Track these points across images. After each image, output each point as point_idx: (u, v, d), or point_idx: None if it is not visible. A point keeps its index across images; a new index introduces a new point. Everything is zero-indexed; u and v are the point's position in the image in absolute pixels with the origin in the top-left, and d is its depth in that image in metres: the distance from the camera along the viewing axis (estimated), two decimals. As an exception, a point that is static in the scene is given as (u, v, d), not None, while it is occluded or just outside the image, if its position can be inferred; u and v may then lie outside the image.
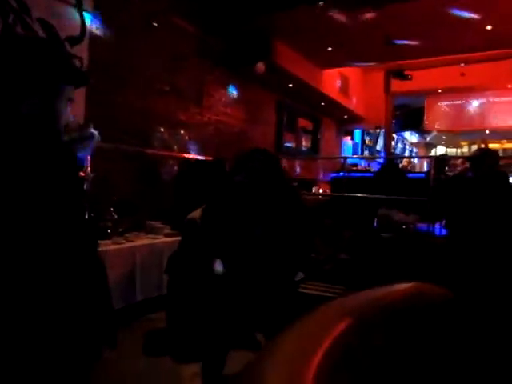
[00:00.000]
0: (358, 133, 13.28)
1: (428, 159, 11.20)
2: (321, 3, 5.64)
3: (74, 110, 4.40)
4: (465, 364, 1.10)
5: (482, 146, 16.69)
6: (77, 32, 4.25)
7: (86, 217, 3.41)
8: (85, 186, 4.12)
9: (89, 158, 4.25)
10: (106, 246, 3.78)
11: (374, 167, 10.22)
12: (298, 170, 9.33)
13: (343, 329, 0.89)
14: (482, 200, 3.15)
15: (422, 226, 4.48)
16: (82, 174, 4.18)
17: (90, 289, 1.28)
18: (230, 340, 2.49)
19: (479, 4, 5.75)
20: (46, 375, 1.16)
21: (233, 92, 7.14)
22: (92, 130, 1.74)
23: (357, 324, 0.94)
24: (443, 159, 5.34)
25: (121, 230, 4.23)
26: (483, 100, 12.19)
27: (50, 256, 1.18)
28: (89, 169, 4.24)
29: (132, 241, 4.12)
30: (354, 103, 10.72)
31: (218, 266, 2.45)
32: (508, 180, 3.39)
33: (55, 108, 1.29)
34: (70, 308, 1.19)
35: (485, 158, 3.27)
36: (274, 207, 2.45)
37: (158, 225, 4.70)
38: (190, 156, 5.93)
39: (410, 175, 5.91)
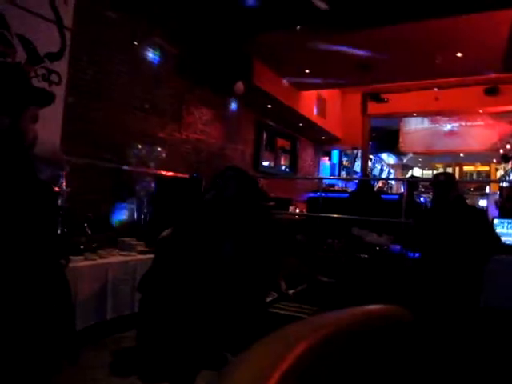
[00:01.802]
0: (335, 153, 13.49)
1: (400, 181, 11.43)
2: (298, 27, 5.79)
3: (50, 125, 4.39)
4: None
5: (456, 168, 17.13)
6: (57, 48, 4.25)
7: (59, 232, 3.38)
8: (59, 202, 4.08)
9: (64, 173, 4.22)
10: (79, 262, 3.73)
11: (352, 188, 10.37)
12: (275, 189, 9.39)
13: (303, 350, 0.91)
14: (449, 228, 3.23)
15: (395, 247, 4.56)
16: (56, 189, 4.16)
17: (51, 304, 1.28)
18: (199, 360, 2.47)
19: (449, 32, 5.98)
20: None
21: (212, 111, 7.20)
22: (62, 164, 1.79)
23: (317, 345, 0.97)
24: (412, 182, 5.49)
25: (94, 246, 4.18)
26: (456, 124, 12.58)
27: (15, 269, 1.17)
28: (64, 184, 4.20)
29: (105, 257, 4.07)
30: (331, 124, 10.92)
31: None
32: (466, 206, 3.49)
33: (20, 127, 1.33)
34: (30, 320, 1.19)
35: (448, 183, 3.35)
36: (242, 224, 2.47)
37: (132, 241, 4.65)
38: (168, 173, 5.93)
39: (385, 196, 6.02)
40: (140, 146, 5.45)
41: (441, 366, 1.20)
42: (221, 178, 2.59)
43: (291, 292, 2.96)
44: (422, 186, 10.26)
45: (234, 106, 7.70)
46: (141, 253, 4.45)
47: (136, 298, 3.92)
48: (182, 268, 2.54)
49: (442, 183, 3.35)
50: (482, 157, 14.98)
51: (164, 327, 2.70)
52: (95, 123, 4.90)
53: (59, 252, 1.64)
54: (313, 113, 9.87)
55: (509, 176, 12.74)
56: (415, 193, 5.99)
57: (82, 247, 4.02)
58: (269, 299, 2.71)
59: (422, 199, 6.84)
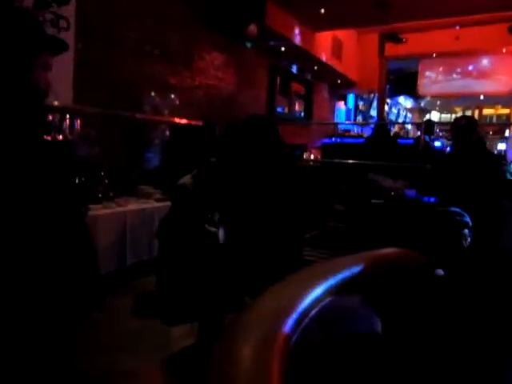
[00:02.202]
0: (351, 98, 13.16)
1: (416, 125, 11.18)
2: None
3: (61, 73, 4.33)
4: (438, 326, 1.15)
5: (476, 111, 16.65)
6: (63, -8, 4.12)
7: (77, 181, 3.43)
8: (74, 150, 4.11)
9: (78, 121, 4.23)
10: (97, 210, 3.81)
11: (368, 133, 10.20)
12: (289, 135, 9.29)
13: (317, 293, 0.93)
14: (470, 172, 3.18)
15: (411, 192, 4.53)
16: (72, 138, 4.18)
17: (76, 253, 1.32)
18: (228, 304, 2.56)
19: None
20: (33, 332, 1.21)
21: (224, 55, 7.01)
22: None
23: (333, 287, 0.99)
24: (428, 126, 5.38)
25: (111, 194, 4.25)
26: (477, 65, 12.06)
27: (38, 220, 1.20)
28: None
29: (123, 205, 4.15)
30: (347, 67, 10.57)
31: (221, 235, 2.50)
32: (486, 151, 3.42)
33: (33, 76, 1.30)
34: (56, 270, 1.23)
35: (470, 127, 3.27)
36: (275, 170, 2.46)
37: (149, 189, 4.72)
38: (181, 121, 5.89)
39: (400, 141, 5.92)
40: (153, 94, 5.40)
41: (458, 308, 1.22)
42: (245, 127, 2.56)
43: (306, 236, 3.00)
44: (440, 129, 10.03)
45: (246, 49, 7.48)
46: (158, 200, 4.52)
47: (154, 244, 4.03)
48: (209, 212, 2.58)
49: (463, 127, 3.27)
50: (503, 99, 14.46)
51: (184, 272, 2.79)
52: (107, 70, 4.82)
53: (79, 201, 1.67)
54: (328, 55, 9.55)
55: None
56: (432, 137, 5.86)
57: (99, 196, 4.09)
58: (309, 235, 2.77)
59: (439, 143, 6.71)
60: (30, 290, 1.18)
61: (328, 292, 0.99)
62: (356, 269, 1.19)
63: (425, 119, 16.08)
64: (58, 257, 1.24)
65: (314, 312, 0.90)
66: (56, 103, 4.02)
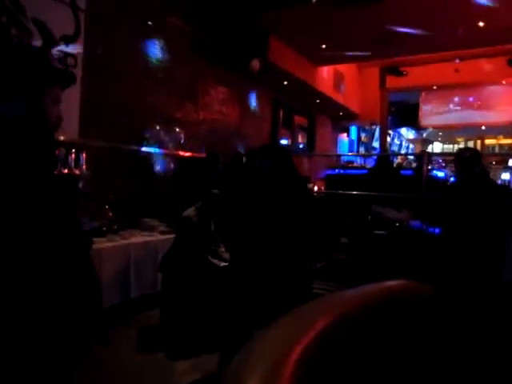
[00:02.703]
0: (353, 129, 13.31)
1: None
2: (313, 0, 5.66)
3: (68, 108, 4.43)
4: (446, 360, 1.13)
5: (478, 142, 16.74)
6: (71, 30, 4.25)
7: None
8: (80, 185, 4.15)
9: (84, 156, 4.28)
10: (102, 243, 3.81)
11: (370, 164, 10.26)
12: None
13: (324, 325, 0.92)
14: (475, 204, 3.18)
15: (415, 223, 4.52)
16: (77, 172, 4.23)
17: (80, 287, 1.31)
18: (224, 337, 2.52)
19: (470, 1, 5.78)
20: (32, 368, 1.19)
21: (228, 89, 7.15)
22: None
23: (338, 321, 0.97)
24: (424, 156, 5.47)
25: (115, 227, 4.25)
26: (478, 96, 12.22)
27: (41, 254, 1.20)
28: (84, 167, 4.27)
29: (127, 238, 4.15)
30: (349, 100, 10.74)
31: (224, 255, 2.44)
32: (490, 182, 3.43)
33: (43, 108, 1.33)
34: (59, 305, 1.22)
35: (474, 159, 3.29)
36: (288, 201, 2.42)
37: (154, 222, 4.72)
38: (185, 154, 5.95)
39: (404, 172, 5.94)
40: (158, 127, 5.48)
41: (462, 340, 1.20)
42: (255, 156, 2.57)
43: (313, 268, 2.97)
44: (443, 160, 10.06)
45: (250, 83, 7.63)
46: (162, 233, 4.52)
47: (158, 277, 4.00)
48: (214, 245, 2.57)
49: (467, 159, 3.30)
50: (505, 129, 14.58)
51: (188, 305, 2.75)
52: (112, 105, 4.92)
53: (82, 234, 1.67)
54: (330, 88, 9.71)
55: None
56: (436, 166, 5.88)
57: (104, 229, 4.10)
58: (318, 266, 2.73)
59: (442, 174, 6.72)
60: (33, 323, 1.17)
61: (335, 324, 0.98)
62: (362, 301, 1.17)
63: (427, 150, 16.17)
64: (62, 290, 1.23)
65: (320, 344, 0.88)
66: (62, 138, 4.08)
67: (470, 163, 3.27)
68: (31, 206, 1.18)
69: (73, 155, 4.14)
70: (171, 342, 2.88)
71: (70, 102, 4.21)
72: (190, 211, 3.44)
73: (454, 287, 2.66)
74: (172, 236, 3.94)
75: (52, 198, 1.25)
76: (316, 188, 7.74)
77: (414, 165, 11.25)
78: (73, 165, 4.10)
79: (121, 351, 3.06)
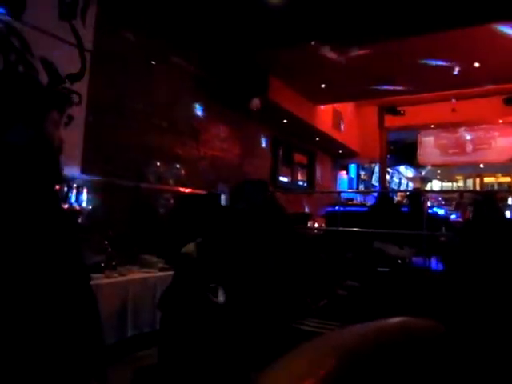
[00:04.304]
0: (353, 167, 13.42)
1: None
2: (312, 42, 5.83)
3: (71, 145, 4.45)
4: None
5: (477, 180, 16.81)
6: (77, 69, 4.35)
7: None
8: (79, 220, 4.13)
9: (85, 191, 4.29)
10: (99, 279, 3.75)
11: (370, 202, 10.27)
12: (293, 204, 9.36)
13: (329, 365, 0.88)
14: (493, 246, 3.15)
15: (418, 259, 4.47)
16: (77, 208, 4.22)
17: (81, 322, 1.27)
18: (224, 379, 2.43)
19: (465, 42, 5.95)
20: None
21: (228, 127, 7.25)
22: None
23: (342, 360, 0.94)
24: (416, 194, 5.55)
25: (114, 263, 4.20)
26: (476, 135, 12.38)
27: (43, 288, 1.17)
28: (84, 203, 4.26)
29: (125, 275, 4.09)
30: (348, 138, 10.88)
31: (221, 296, 2.43)
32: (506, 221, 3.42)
33: (46, 133, 1.33)
34: (59, 341, 1.18)
35: (487, 202, 3.33)
36: (276, 235, 2.43)
37: (152, 259, 4.67)
38: (186, 190, 5.96)
39: (404, 209, 5.94)
40: (158, 164, 5.51)
41: (477, 377, 1.15)
42: (246, 190, 2.58)
43: (315, 306, 2.91)
44: (443, 198, 10.09)
45: (250, 121, 7.75)
46: (161, 270, 4.45)
47: (156, 315, 3.91)
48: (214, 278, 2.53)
49: (480, 203, 3.35)
50: (503, 168, 14.69)
51: (186, 344, 2.68)
52: (114, 142, 4.97)
53: (84, 267, 1.64)
54: (329, 127, 9.87)
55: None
56: (435, 204, 5.88)
57: (102, 265, 4.04)
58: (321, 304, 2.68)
59: (442, 211, 6.72)
60: (33, 354, 1.12)
61: (339, 364, 0.94)
62: (368, 339, 1.13)
63: (426, 187, 16.23)
64: (61, 321, 1.19)
65: (329, 380, 0.84)
66: (64, 173, 4.10)
67: (482, 206, 3.31)
68: (34, 231, 1.17)
69: (74, 190, 4.15)
70: (169, 381, 2.78)
71: (74, 138, 4.26)
72: (189, 247, 3.40)
73: (466, 325, 2.59)
74: (171, 273, 3.88)
75: (59, 229, 1.24)
76: (316, 225, 7.72)
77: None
78: (73, 200, 4.10)
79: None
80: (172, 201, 5.57)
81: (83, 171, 4.42)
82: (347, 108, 10.81)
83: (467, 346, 1.29)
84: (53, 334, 1.17)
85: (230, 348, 2.38)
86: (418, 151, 12.97)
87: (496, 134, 11.99)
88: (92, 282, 3.39)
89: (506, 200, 14.86)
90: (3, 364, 1.10)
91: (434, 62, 6.58)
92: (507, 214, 12.45)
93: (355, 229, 5.35)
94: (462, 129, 12.28)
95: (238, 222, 2.55)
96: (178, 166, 5.76)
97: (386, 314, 1.36)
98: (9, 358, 1.10)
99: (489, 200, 3.32)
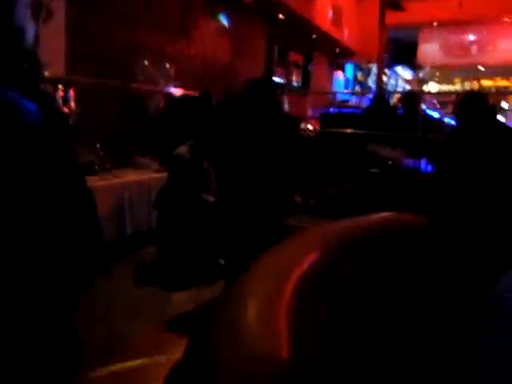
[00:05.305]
0: (349, 68, 12.97)
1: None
2: None
3: (53, 43, 4.23)
4: (438, 292, 1.14)
5: (474, 83, 16.47)
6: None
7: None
8: (70, 122, 4.06)
9: (72, 93, 4.16)
10: (94, 182, 3.78)
11: (366, 103, 10.09)
12: (287, 105, 9.19)
13: (319, 254, 0.92)
14: (480, 147, 3.13)
15: (409, 161, 4.52)
16: (66, 109, 4.12)
17: (79, 217, 1.30)
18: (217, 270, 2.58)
19: None
20: (36, 300, 1.20)
21: (220, 23, 6.85)
22: None
23: (333, 250, 0.97)
24: (413, 96, 5.47)
25: (108, 165, 4.22)
26: (477, 35, 11.87)
27: (39, 187, 1.18)
28: (73, 104, 4.16)
29: (120, 177, 4.12)
30: (346, 36, 10.39)
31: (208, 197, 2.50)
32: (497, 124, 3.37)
33: (15, 23, 1.19)
34: (60, 238, 1.21)
35: (467, 104, 3.24)
36: (268, 134, 2.45)
37: (146, 161, 4.69)
38: (177, 91, 5.79)
39: (400, 111, 5.85)
40: (147, 63, 5.29)
41: (459, 269, 1.22)
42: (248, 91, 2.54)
43: (305, 204, 3.01)
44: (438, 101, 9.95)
45: (244, 17, 7.30)
46: (155, 171, 4.50)
47: (152, 215, 4.02)
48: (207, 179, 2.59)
49: (462, 104, 3.25)
50: (503, 70, 14.29)
51: (183, 239, 2.80)
52: (100, 39, 4.71)
53: (79, 168, 1.63)
54: (327, 23, 9.35)
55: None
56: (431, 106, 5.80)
57: (96, 167, 4.06)
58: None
59: (437, 114, 6.66)
60: (33, 256, 1.16)
61: (328, 253, 0.98)
62: (354, 231, 1.17)
63: (427, 90, 15.91)
64: (60, 219, 1.22)
65: (317, 271, 0.88)
66: (48, 74, 3.94)
67: (466, 107, 3.22)
68: (20, 136, 1.14)
69: (60, 92, 4.02)
70: (167, 275, 2.95)
71: (55, 35, 4.03)
72: (182, 149, 3.41)
73: (452, 220, 2.68)
74: (165, 174, 3.92)
75: (47, 130, 1.20)
76: (311, 127, 7.66)
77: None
78: (61, 102, 3.99)
79: (117, 286, 3.13)
80: (163, 102, 5.43)
81: (68, 71, 4.24)
82: (347, 2, 10.17)
83: (450, 238, 1.34)
84: (51, 233, 1.20)
85: (222, 242, 2.50)
86: (418, 50, 12.49)
87: (498, 35, 11.50)
88: (88, 184, 3.44)
89: (500, 103, 14.68)
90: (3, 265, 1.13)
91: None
92: (501, 118, 12.38)
93: (349, 131, 5.32)
94: (464, 29, 11.74)
95: (235, 116, 2.53)
96: (167, 65, 5.53)
97: (375, 212, 1.39)
98: (6, 259, 1.13)
99: (471, 100, 3.24)
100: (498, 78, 16.61)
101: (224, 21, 6.91)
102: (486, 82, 17.15)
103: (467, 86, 16.39)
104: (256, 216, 2.39)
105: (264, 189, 2.40)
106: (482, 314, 0.66)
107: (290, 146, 2.53)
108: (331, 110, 6.49)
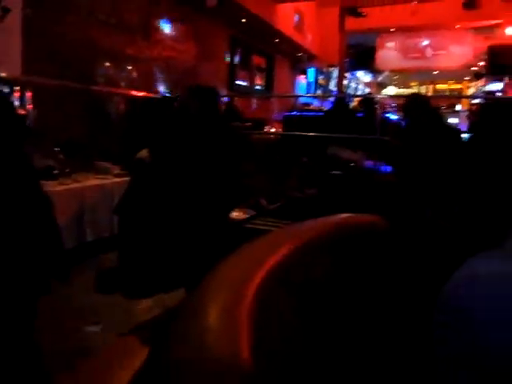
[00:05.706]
0: (311, 71, 13.17)
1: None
2: None
3: (9, 42, 4.09)
4: (397, 289, 1.18)
5: (430, 86, 17.11)
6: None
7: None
8: (26, 124, 3.93)
9: (29, 94, 4.03)
10: (53, 186, 3.68)
11: (327, 107, 10.26)
12: (251, 108, 9.23)
13: (285, 252, 0.93)
14: (424, 147, 3.30)
15: (369, 163, 4.64)
16: (22, 111, 3.99)
17: (36, 224, 1.27)
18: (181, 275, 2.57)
19: None
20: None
21: (182, 26, 6.81)
22: None
23: (298, 249, 0.99)
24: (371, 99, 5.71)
25: (68, 170, 4.11)
26: (431, 40, 12.36)
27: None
28: (30, 106, 4.03)
29: (80, 181, 4.02)
30: (308, 40, 10.55)
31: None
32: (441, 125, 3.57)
33: None
34: (17, 242, 1.18)
35: (411, 106, 3.45)
36: (204, 143, 2.48)
37: (108, 165, 4.59)
38: (139, 93, 5.71)
39: (359, 114, 6.00)
40: (108, 64, 5.19)
41: (418, 270, 1.27)
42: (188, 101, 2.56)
43: (271, 207, 3.03)
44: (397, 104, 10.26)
45: (206, 20, 7.29)
46: (117, 176, 4.41)
47: (114, 221, 3.94)
48: (164, 189, 2.57)
49: (408, 106, 3.47)
50: (456, 74, 14.96)
51: (145, 246, 2.76)
52: (59, 39, 4.58)
53: (35, 173, 1.59)
54: (289, 28, 9.47)
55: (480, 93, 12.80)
56: (389, 109, 6.00)
57: (55, 172, 3.94)
58: (247, 216, 2.78)
59: (395, 116, 6.86)
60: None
61: (295, 252, 1.00)
62: (314, 233, 1.19)
63: (382, 93, 16.37)
64: (19, 225, 1.19)
65: (280, 272, 0.90)
66: (3, 74, 3.80)
67: (411, 109, 3.44)
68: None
69: (17, 93, 3.90)
70: (129, 282, 2.90)
71: (11, 34, 3.90)
72: (143, 152, 3.36)
73: (408, 219, 2.79)
74: (127, 179, 3.86)
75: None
76: (273, 130, 7.73)
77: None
78: (17, 104, 3.87)
79: (78, 292, 3.06)
80: (124, 105, 5.35)
81: (25, 72, 4.11)
82: (308, 8, 10.34)
83: (407, 236, 1.39)
84: (10, 235, 1.17)
85: (180, 246, 2.49)
86: (377, 55, 12.86)
87: (451, 40, 12.01)
88: (46, 189, 3.34)
89: (454, 106, 15.32)
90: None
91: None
92: (455, 120, 12.89)
93: (311, 134, 5.41)
94: (420, 34, 12.20)
95: (191, 127, 2.53)
96: (129, 67, 5.45)
97: (337, 213, 1.43)
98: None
99: (413, 102, 3.48)
100: (452, 82, 17.36)
101: (186, 24, 6.87)
102: (441, 86, 17.89)
103: (423, 89, 17.03)
104: (211, 218, 2.42)
105: (219, 196, 2.44)
106: (435, 310, 0.69)
107: (227, 157, 2.60)
108: (294, 113, 6.57)
